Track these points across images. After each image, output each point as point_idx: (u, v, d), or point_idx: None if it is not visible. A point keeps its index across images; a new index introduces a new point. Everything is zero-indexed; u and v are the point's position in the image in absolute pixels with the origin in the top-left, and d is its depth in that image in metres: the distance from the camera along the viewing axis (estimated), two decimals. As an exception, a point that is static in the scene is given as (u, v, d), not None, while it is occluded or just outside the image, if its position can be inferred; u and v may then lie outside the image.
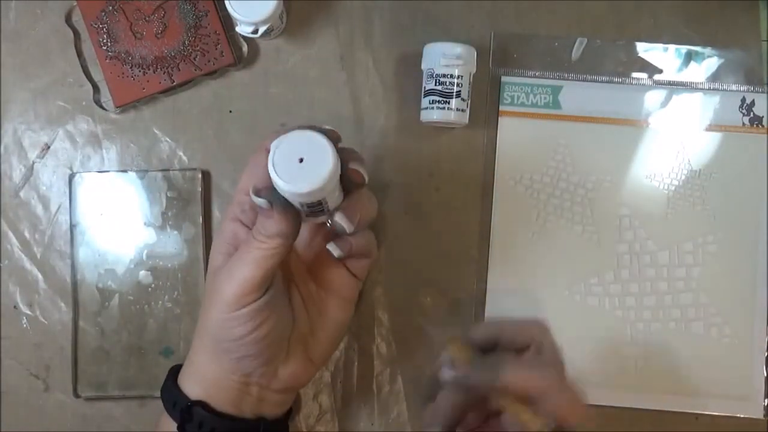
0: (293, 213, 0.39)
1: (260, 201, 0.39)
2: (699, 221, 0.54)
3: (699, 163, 0.54)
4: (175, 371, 0.46)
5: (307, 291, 0.46)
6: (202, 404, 0.42)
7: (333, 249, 0.44)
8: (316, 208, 0.39)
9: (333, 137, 0.39)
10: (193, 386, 0.43)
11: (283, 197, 0.38)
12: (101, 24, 0.53)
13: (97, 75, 0.54)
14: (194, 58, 0.53)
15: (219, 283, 0.41)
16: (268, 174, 0.38)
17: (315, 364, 0.45)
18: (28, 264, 0.55)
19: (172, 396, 0.43)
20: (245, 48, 0.54)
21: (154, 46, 0.53)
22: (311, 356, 0.45)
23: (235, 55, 0.54)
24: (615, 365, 0.53)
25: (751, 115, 0.54)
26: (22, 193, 0.55)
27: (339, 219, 0.41)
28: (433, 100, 0.51)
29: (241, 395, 0.43)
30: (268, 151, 0.40)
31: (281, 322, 0.43)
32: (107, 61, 0.53)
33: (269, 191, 0.39)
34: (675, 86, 0.54)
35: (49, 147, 0.55)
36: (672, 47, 0.55)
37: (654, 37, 0.55)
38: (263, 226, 0.39)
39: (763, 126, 0.54)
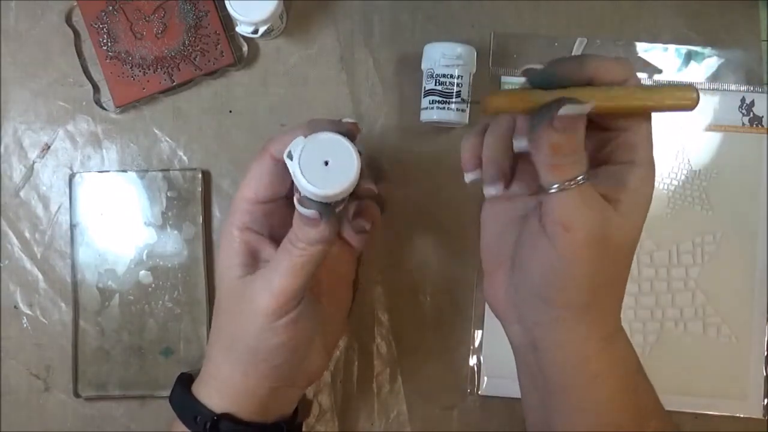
0: (336, 218, 0.39)
1: (309, 212, 0.38)
2: (698, 221, 0.54)
3: (699, 163, 0.54)
4: (184, 380, 0.45)
5: (317, 280, 0.45)
6: (227, 416, 0.42)
7: (357, 243, 0.46)
8: (337, 204, 0.40)
9: (353, 133, 0.39)
10: (216, 399, 0.43)
11: (324, 203, 0.38)
12: (101, 24, 0.53)
13: (97, 75, 0.54)
14: (194, 58, 0.53)
15: (254, 294, 0.40)
16: (286, 176, 0.39)
17: (330, 352, 0.47)
18: (28, 264, 0.55)
19: (192, 409, 0.43)
20: (245, 48, 0.54)
21: (154, 46, 0.53)
22: (327, 345, 0.46)
23: (235, 55, 0.54)
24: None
25: (751, 115, 0.54)
26: (22, 193, 0.55)
27: (357, 223, 0.44)
28: (433, 100, 0.51)
29: (269, 401, 0.44)
30: (273, 157, 0.41)
31: (315, 323, 0.43)
32: (107, 61, 0.53)
33: (315, 201, 0.38)
34: (675, 86, 0.54)
35: (49, 147, 0.55)
36: (672, 47, 0.55)
37: (654, 37, 0.55)
38: (305, 234, 0.38)
39: (762, 126, 0.54)
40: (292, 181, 0.39)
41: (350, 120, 0.40)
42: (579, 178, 0.35)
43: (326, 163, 0.38)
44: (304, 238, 0.39)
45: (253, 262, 0.42)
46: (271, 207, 0.43)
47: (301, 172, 0.37)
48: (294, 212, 0.39)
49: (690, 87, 0.36)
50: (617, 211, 0.36)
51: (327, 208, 0.38)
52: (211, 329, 0.45)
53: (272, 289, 0.39)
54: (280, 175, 0.42)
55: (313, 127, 0.39)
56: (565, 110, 0.33)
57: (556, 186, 0.35)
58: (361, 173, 0.38)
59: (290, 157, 0.38)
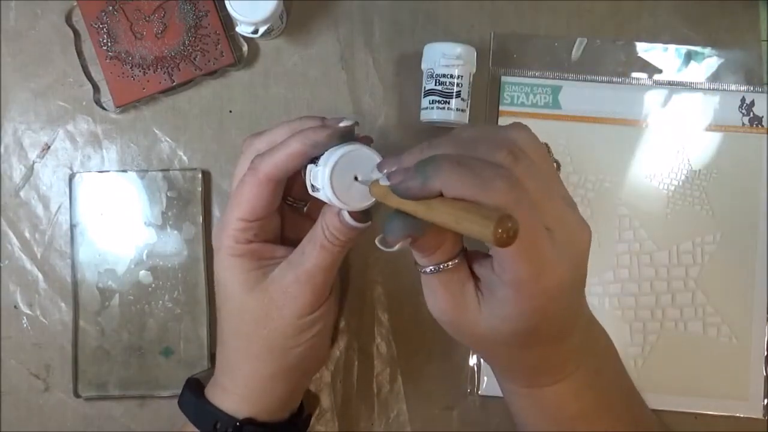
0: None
1: (363, 226, 0.40)
2: (698, 221, 0.54)
3: (699, 163, 0.54)
4: (194, 386, 0.46)
5: None
6: (250, 421, 0.43)
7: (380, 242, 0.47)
8: None
9: (368, 143, 0.40)
10: (236, 404, 0.43)
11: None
12: (101, 24, 0.53)
13: (97, 75, 0.54)
14: (194, 58, 0.53)
15: (287, 294, 0.41)
16: (281, 192, 0.41)
17: (332, 338, 0.49)
18: (28, 264, 0.55)
19: (211, 416, 0.43)
20: (245, 48, 0.54)
21: (154, 46, 0.53)
22: (331, 331, 0.48)
23: (235, 55, 0.54)
24: (615, 365, 0.53)
25: (751, 115, 0.54)
26: (22, 193, 0.55)
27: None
28: (433, 100, 0.51)
29: (287, 398, 0.45)
30: (270, 180, 0.40)
31: (337, 309, 0.46)
32: (107, 61, 0.53)
33: (364, 214, 0.39)
34: (675, 86, 0.54)
35: (49, 147, 0.55)
36: (672, 47, 0.55)
37: (654, 37, 0.55)
38: (345, 234, 0.40)
39: (762, 126, 0.54)
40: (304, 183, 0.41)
41: (348, 123, 0.40)
42: (442, 265, 0.36)
43: (356, 178, 0.38)
44: (346, 239, 0.40)
45: (262, 266, 0.42)
46: (268, 218, 0.43)
47: (333, 189, 0.38)
48: (329, 212, 0.40)
49: (496, 220, 0.28)
50: (482, 304, 0.36)
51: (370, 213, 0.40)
52: (222, 338, 0.45)
53: (314, 285, 0.41)
54: (276, 193, 0.42)
55: (312, 142, 0.39)
56: (377, 240, 0.36)
57: (427, 268, 0.37)
58: None
59: (315, 162, 0.39)
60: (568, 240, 0.35)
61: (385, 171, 0.36)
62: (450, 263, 0.36)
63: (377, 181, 0.37)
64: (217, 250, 0.43)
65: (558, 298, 0.35)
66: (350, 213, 0.39)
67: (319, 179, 0.38)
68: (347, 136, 0.40)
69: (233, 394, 0.44)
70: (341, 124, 0.40)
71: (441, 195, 0.32)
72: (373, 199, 0.38)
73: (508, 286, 0.34)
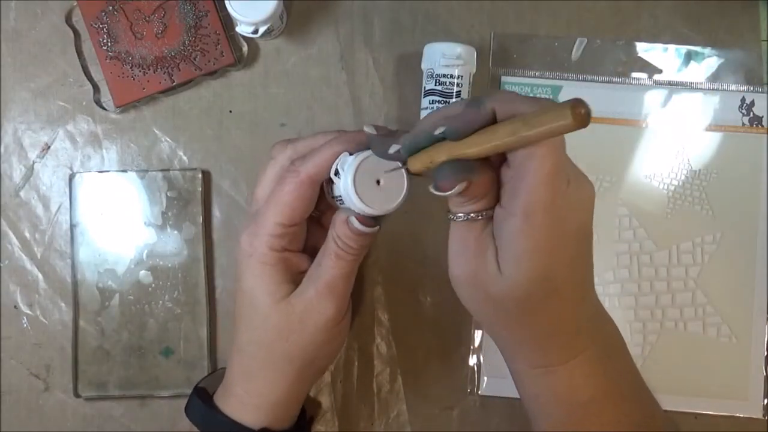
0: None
1: (371, 230, 0.40)
2: (698, 221, 0.54)
3: (699, 163, 0.54)
4: (203, 395, 0.45)
5: None
6: (266, 431, 0.43)
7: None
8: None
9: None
10: (251, 414, 0.43)
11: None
12: (101, 24, 0.53)
13: (97, 75, 0.54)
14: (194, 58, 0.53)
15: (311, 307, 0.41)
16: (317, 195, 0.41)
17: None
18: (28, 264, 0.55)
19: (225, 426, 0.43)
20: (245, 48, 0.54)
21: (154, 46, 0.53)
22: None
23: (235, 55, 0.54)
24: (615, 365, 0.53)
25: (751, 115, 0.54)
26: (22, 193, 0.55)
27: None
28: (433, 100, 0.51)
29: (298, 405, 0.45)
30: (312, 181, 0.40)
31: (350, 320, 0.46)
32: (107, 61, 0.53)
33: (373, 219, 0.40)
34: (675, 86, 0.54)
35: (49, 147, 0.55)
36: (672, 47, 0.55)
37: (654, 37, 0.55)
38: (359, 242, 0.40)
39: (762, 126, 0.54)
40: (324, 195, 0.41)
41: (375, 130, 0.40)
42: (481, 214, 0.37)
43: (378, 182, 0.39)
44: (359, 246, 0.40)
45: (292, 279, 0.42)
46: (302, 225, 0.43)
47: (357, 193, 0.38)
48: (338, 221, 0.40)
49: (570, 104, 0.30)
50: (498, 259, 0.36)
51: (379, 218, 0.40)
52: (240, 346, 0.44)
53: (335, 296, 0.41)
54: (314, 197, 0.41)
55: (348, 140, 0.40)
56: (431, 187, 0.36)
57: (460, 214, 0.38)
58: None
59: (338, 175, 0.39)
60: (580, 191, 0.36)
61: (436, 127, 0.36)
62: (485, 213, 0.37)
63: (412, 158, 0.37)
64: (248, 257, 0.42)
65: (569, 241, 0.35)
66: (358, 218, 0.39)
67: (341, 186, 0.39)
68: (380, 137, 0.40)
69: (248, 404, 0.43)
70: (367, 129, 0.40)
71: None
72: (398, 201, 0.39)
73: (520, 214, 0.34)
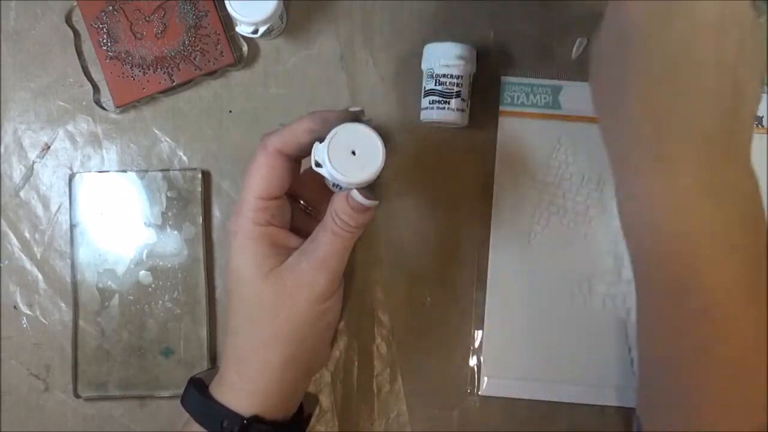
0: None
1: (370, 203, 0.40)
2: (699, 221, 0.54)
3: (699, 163, 0.54)
4: (198, 385, 0.45)
5: None
6: (257, 418, 0.43)
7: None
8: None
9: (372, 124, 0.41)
10: (243, 401, 0.43)
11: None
12: (101, 24, 0.53)
13: (97, 75, 0.54)
14: (194, 58, 0.53)
15: (302, 281, 0.42)
16: (295, 171, 0.42)
17: (334, 336, 0.50)
18: (28, 264, 0.55)
19: (218, 414, 0.43)
20: (245, 48, 0.54)
21: (154, 46, 0.53)
22: (335, 328, 0.50)
23: (235, 55, 0.54)
24: (616, 366, 0.53)
25: (751, 115, 0.54)
26: (22, 193, 0.55)
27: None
28: (432, 100, 0.51)
29: (292, 395, 0.45)
30: (281, 153, 0.42)
31: (341, 306, 0.47)
32: (107, 61, 0.53)
33: (369, 191, 0.41)
34: (675, 86, 0.54)
35: (49, 147, 0.55)
36: (672, 47, 0.54)
37: (654, 37, 0.55)
38: (358, 219, 0.41)
39: (762, 126, 0.54)
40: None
41: (356, 108, 0.42)
42: None
43: (353, 153, 0.40)
44: (356, 224, 0.41)
45: (278, 253, 0.43)
46: (283, 200, 0.44)
47: (329, 160, 0.40)
48: (337, 197, 0.41)
49: None
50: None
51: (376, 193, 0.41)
52: (232, 327, 0.45)
53: (328, 271, 0.41)
54: (289, 170, 0.43)
55: (316, 118, 0.41)
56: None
57: None
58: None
59: (319, 166, 0.41)
60: None
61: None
62: None
63: None
64: (234, 234, 0.43)
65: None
66: (358, 191, 0.40)
67: (319, 153, 0.40)
68: (355, 120, 0.41)
69: (240, 389, 0.44)
70: (351, 109, 0.42)
71: None
72: (373, 172, 0.40)
73: None
